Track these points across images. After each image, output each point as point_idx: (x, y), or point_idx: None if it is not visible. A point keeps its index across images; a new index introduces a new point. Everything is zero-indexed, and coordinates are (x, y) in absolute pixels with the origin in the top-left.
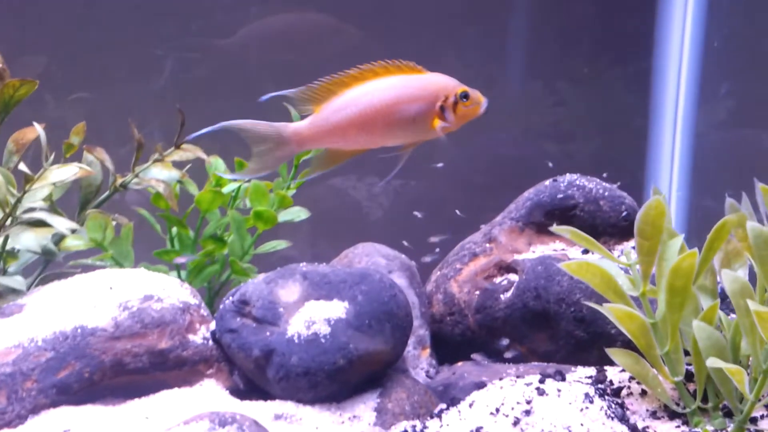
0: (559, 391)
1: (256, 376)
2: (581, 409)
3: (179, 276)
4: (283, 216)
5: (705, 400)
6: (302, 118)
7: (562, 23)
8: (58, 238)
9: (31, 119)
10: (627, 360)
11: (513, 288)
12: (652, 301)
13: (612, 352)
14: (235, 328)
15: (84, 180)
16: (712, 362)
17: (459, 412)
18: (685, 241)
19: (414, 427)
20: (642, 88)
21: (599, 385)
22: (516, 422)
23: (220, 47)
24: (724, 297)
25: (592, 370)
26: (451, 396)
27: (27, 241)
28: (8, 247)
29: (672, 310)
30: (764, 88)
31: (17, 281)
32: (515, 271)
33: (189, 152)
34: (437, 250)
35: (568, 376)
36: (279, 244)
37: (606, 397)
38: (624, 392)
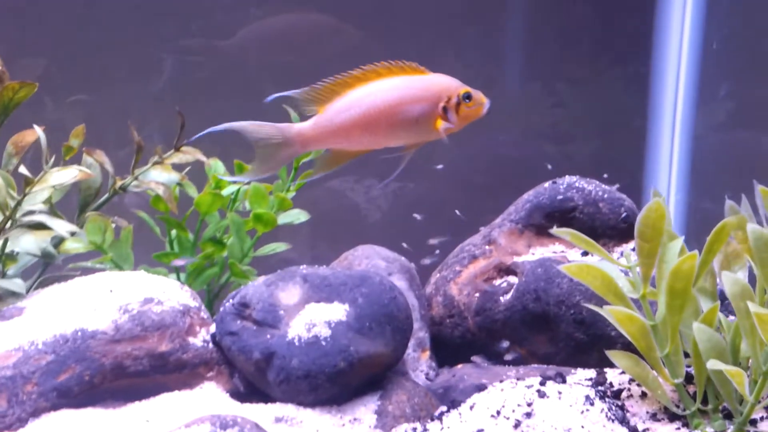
0: (559, 393)
1: (256, 379)
2: (582, 412)
3: (178, 278)
4: (283, 218)
5: (705, 402)
6: (302, 119)
7: (560, 24)
8: (58, 241)
9: (29, 121)
10: (627, 362)
11: (512, 290)
12: (652, 303)
13: (612, 354)
14: (235, 331)
15: (83, 183)
16: (713, 364)
17: (460, 414)
18: (684, 243)
19: (415, 429)
20: (641, 90)
21: (599, 388)
22: (517, 424)
23: (220, 48)
24: (723, 299)
25: (592, 373)
26: (451, 398)
27: (27, 244)
28: (7, 249)
29: (672, 312)
30: (763, 89)
31: (17, 284)
32: (515, 274)
33: (188, 155)
34: (437, 252)
35: (568, 379)
36: (278, 247)
37: (606, 399)
38: (624, 394)
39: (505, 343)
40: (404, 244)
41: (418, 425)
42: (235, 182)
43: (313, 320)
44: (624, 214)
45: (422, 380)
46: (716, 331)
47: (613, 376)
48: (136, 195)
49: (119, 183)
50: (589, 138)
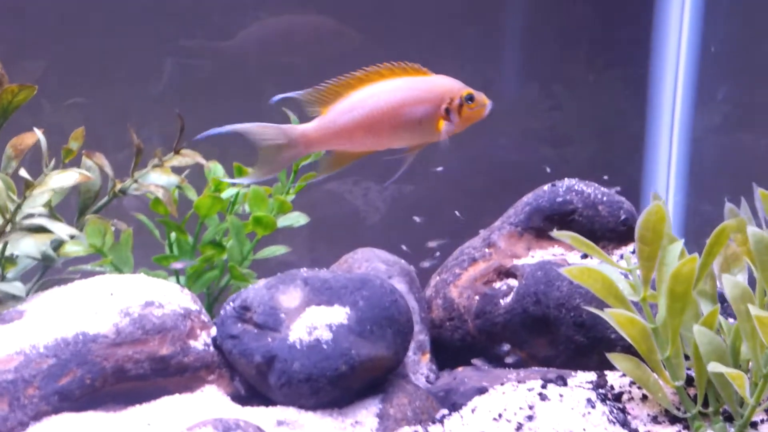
0: (561, 396)
1: (257, 383)
2: (583, 414)
3: (178, 282)
4: (283, 221)
5: (705, 404)
6: (305, 120)
7: (558, 27)
8: (57, 244)
9: (29, 124)
10: (628, 365)
11: (512, 293)
12: (652, 306)
13: (613, 357)
14: (236, 334)
15: (83, 185)
16: (713, 367)
17: (461, 417)
18: (683, 245)
19: None
20: (639, 92)
21: (600, 390)
22: (519, 427)
23: (220, 50)
24: (723, 301)
25: (592, 375)
26: (452, 401)
27: (27, 247)
28: (7, 252)
29: (672, 315)
30: (761, 92)
31: (17, 287)
32: (515, 276)
33: (188, 157)
34: (437, 254)
35: (569, 381)
36: (278, 250)
37: (607, 402)
38: (625, 397)
39: (506, 346)
40: (403, 247)
41: (419, 428)
42: (240, 184)
43: (314, 323)
44: (623, 217)
45: (423, 383)
46: (717, 334)
47: (613, 378)
48: (136, 198)
49: (119, 186)
50: (587, 140)
